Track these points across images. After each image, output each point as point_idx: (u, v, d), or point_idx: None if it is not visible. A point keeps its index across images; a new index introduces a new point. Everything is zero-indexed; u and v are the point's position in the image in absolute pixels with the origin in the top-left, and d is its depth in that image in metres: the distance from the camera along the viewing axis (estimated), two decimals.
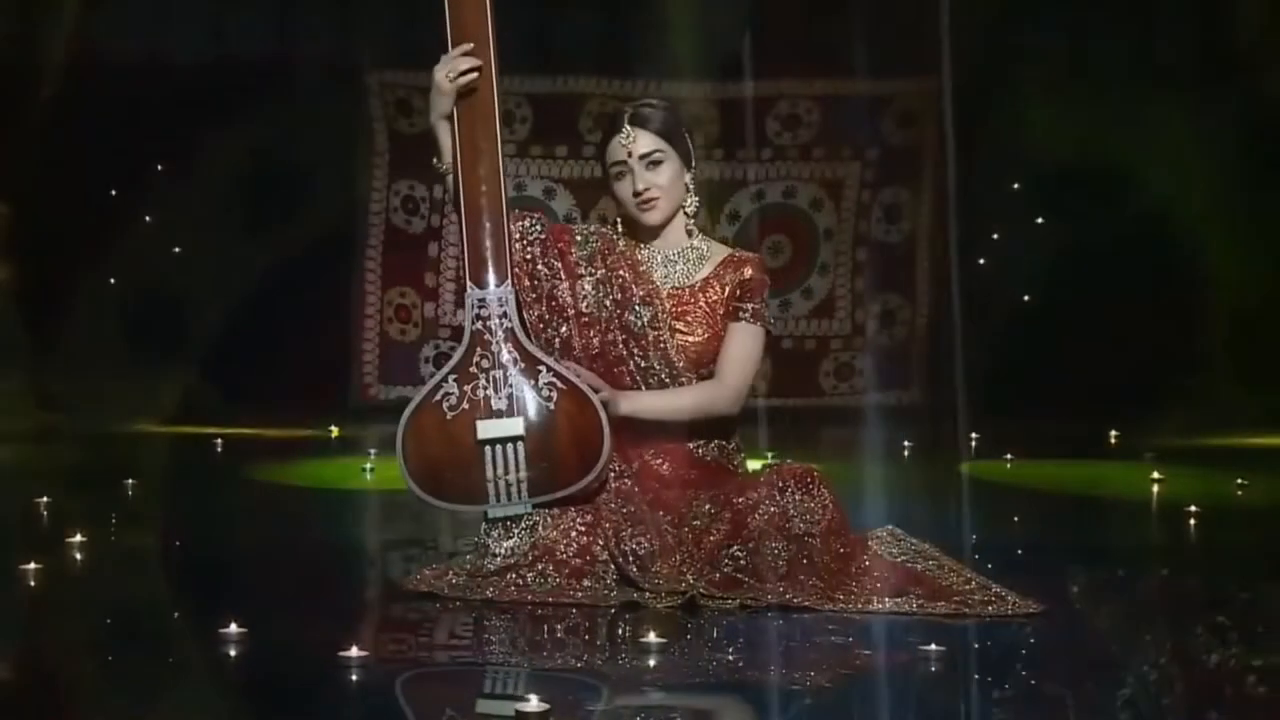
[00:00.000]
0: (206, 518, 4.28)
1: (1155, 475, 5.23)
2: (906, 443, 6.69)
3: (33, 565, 3.18)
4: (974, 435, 6.88)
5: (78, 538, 3.51)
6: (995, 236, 8.89)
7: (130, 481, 4.71)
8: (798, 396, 8.45)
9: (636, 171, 3.31)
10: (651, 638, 2.59)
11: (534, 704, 2.11)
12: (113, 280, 8.38)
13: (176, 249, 8.44)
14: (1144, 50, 8.34)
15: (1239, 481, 5.15)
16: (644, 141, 3.31)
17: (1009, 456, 6.04)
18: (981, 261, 8.86)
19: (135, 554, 3.64)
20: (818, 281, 8.83)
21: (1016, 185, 8.77)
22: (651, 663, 2.54)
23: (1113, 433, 7.17)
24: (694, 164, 3.40)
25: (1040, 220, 8.71)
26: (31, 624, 2.88)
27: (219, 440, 6.31)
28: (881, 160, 8.90)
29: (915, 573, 3.22)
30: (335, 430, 6.94)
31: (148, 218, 8.44)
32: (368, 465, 5.40)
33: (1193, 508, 4.45)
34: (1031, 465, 5.97)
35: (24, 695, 2.33)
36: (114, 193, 8.39)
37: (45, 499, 4.19)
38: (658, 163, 3.32)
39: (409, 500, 4.64)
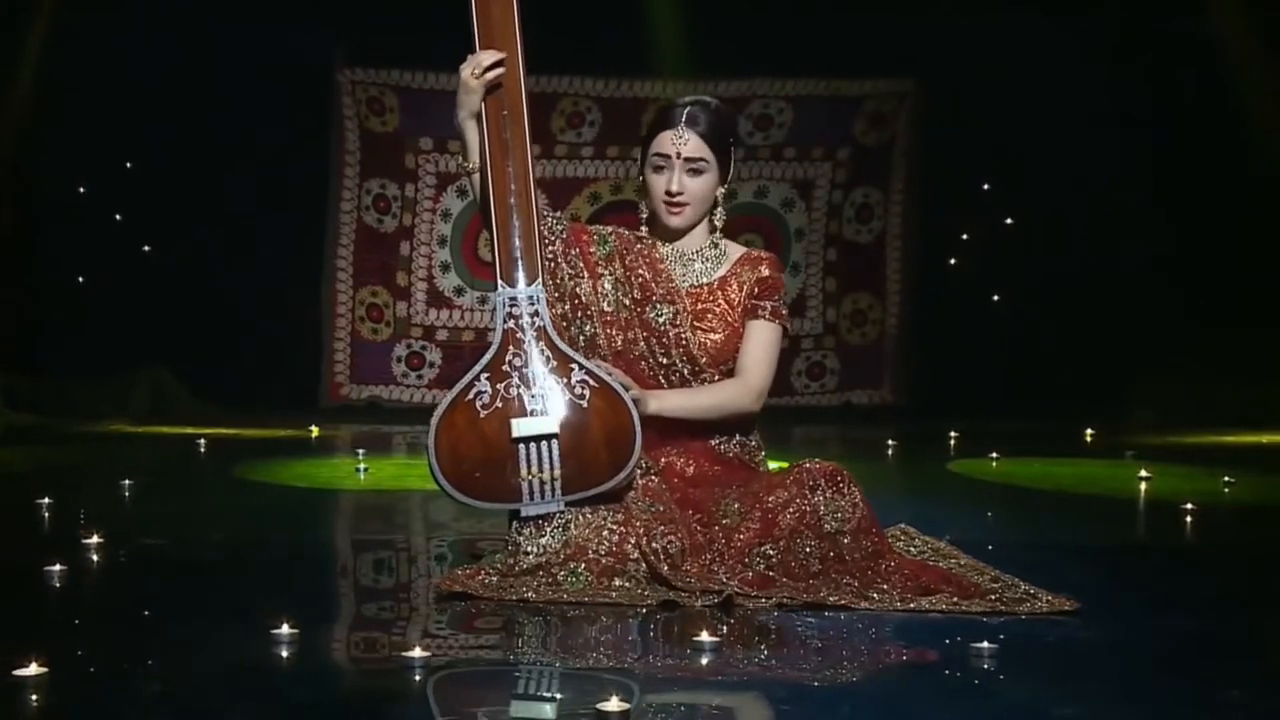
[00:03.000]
0: (218, 519, 4.23)
1: (1143, 473, 5.30)
2: (890, 441, 6.73)
3: (57, 567, 3.16)
4: (953, 434, 6.93)
5: (94, 539, 3.46)
6: (965, 237, 8.97)
7: (127, 482, 4.66)
8: (769, 395, 8.43)
9: (676, 172, 3.32)
10: (705, 636, 2.59)
11: (614, 704, 2.11)
12: (80, 279, 8.30)
13: (145, 248, 8.37)
14: None
15: (1225, 479, 5.22)
16: (693, 145, 3.31)
17: (994, 455, 6.09)
18: (953, 261, 8.95)
19: (172, 558, 3.60)
20: (789, 281, 8.86)
21: (986, 186, 8.86)
22: (705, 661, 2.54)
23: (1088, 431, 7.25)
24: (730, 176, 3.41)
25: (1009, 220, 8.81)
26: (58, 628, 2.84)
27: (201, 440, 6.24)
28: (853, 161, 8.96)
29: (944, 571, 3.24)
30: (315, 430, 6.89)
31: (117, 216, 8.36)
32: (360, 466, 5.36)
33: (1188, 505, 4.51)
34: (1017, 463, 6.02)
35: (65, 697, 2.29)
36: (81, 190, 8.32)
37: (46, 500, 4.13)
38: (699, 171, 3.33)
39: (402, 501, 4.70)
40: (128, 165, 8.33)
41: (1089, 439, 7.14)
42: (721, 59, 8.47)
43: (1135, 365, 8.13)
